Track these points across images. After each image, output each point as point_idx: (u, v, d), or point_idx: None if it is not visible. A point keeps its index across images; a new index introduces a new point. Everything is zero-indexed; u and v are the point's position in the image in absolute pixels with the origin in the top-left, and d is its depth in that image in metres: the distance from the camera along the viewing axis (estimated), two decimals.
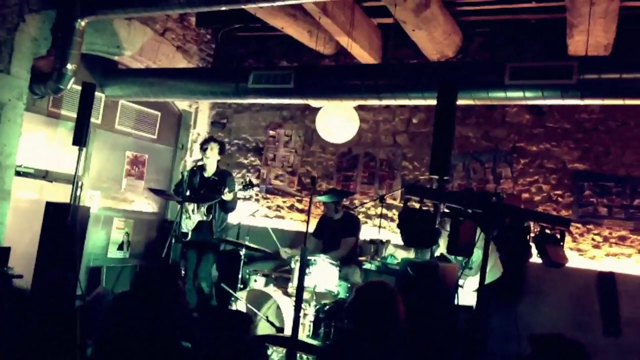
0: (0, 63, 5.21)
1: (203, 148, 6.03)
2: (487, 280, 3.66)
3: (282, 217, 7.41)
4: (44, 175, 6.01)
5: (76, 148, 5.43)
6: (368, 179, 6.98)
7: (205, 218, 5.89)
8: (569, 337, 2.18)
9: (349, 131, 6.22)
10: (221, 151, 6.08)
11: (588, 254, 5.79)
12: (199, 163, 6.00)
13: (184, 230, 5.89)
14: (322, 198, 5.78)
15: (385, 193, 6.49)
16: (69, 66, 5.56)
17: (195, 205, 5.92)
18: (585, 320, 5.45)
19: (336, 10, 5.68)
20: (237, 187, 5.75)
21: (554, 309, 5.57)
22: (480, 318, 3.62)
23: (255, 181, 7.22)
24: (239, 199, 6.00)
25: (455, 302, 3.76)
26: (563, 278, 5.46)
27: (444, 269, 3.76)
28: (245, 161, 7.77)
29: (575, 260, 5.65)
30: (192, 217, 5.91)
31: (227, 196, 5.68)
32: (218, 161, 6.10)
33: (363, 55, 6.44)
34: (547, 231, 3.56)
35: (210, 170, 6.07)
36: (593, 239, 5.80)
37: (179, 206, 5.71)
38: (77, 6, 5.51)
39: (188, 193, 5.84)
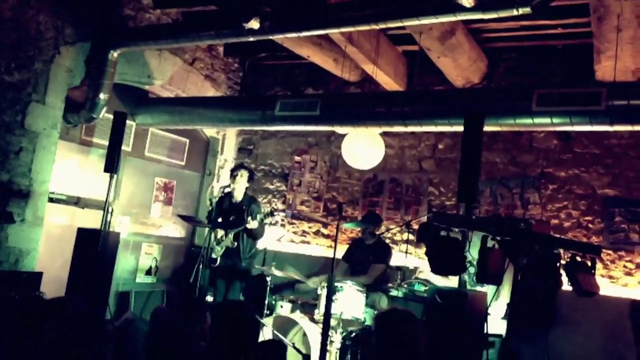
0: (36, 94, 5.38)
1: (233, 174, 6.09)
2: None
3: (308, 243, 7.42)
4: (76, 202, 6.13)
5: (107, 175, 5.52)
6: (394, 205, 6.97)
7: (230, 245, 5.93)
8: None
9: (375, 157, 6.24)
10: (250, 178, 6.13)
11: (620, 281, 5.67)
12: (226, 190, 6.05)
13: (213, 256, 5.94)
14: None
15: (412, 219, 6.47)
16: (102, 96, 5.72)
17: (224, 232, 5.97)
18: (618, 350, 5.29)
19: (362, 39, 5.75)
20: (259, 216, 5.76)
21: (586, 339, 5.43)
22: (511, 348, 3.56)
23: (279, 208, 7.24)
24: (265, 224, 6.04)
25: (485, 331, 3.71)
26: (595, 306, 5.32)
27: (473, 297, 3.73)
28: (271, 187, 7.84)
29: (607, 287, 5.54)
30: (220, 244, 5.97)
31: (251, 224, 5.72)
32: (246, 188, 6.17)
33: (388, 82, 6.49)
34: (578, 259, 3.52)
35: (238, 197, 6.11)
36: (625, 266, 5.68)
37: (206, 231, 5.76)
38: (110, 38, 5.71)
39: (220, 219, 5.94)
